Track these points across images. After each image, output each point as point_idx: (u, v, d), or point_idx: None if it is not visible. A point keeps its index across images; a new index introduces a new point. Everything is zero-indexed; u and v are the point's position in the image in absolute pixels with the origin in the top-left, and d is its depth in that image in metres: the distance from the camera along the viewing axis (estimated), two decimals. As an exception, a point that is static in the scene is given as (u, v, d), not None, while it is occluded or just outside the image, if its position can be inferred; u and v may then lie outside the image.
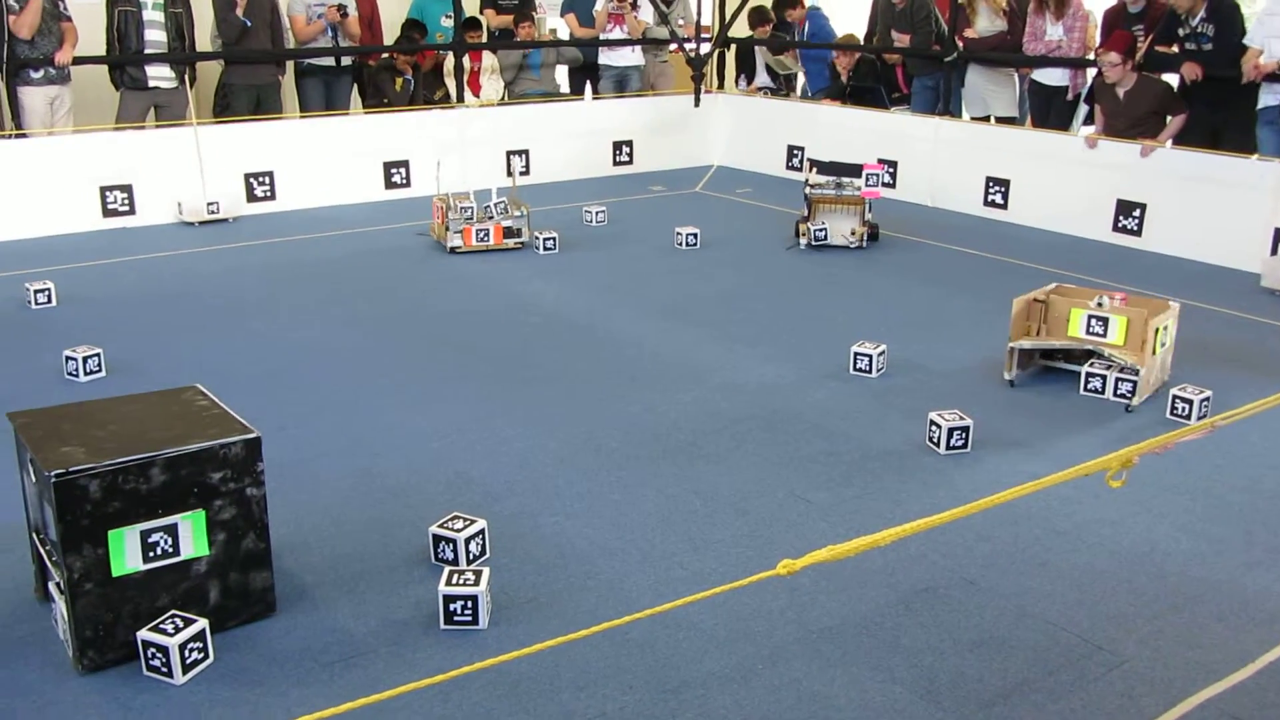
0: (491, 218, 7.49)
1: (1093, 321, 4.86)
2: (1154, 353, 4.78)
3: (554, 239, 7.46)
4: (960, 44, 8.92)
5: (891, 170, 9.26)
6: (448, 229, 7.35)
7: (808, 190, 7.64)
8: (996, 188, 8.54)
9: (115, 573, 2.96)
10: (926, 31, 9.24)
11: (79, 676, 2.94)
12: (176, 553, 3.03)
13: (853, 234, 7.55)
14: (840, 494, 4.02)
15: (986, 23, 8.94)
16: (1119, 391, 4.79)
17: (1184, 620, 3.23)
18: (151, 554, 2.99)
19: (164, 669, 2.92)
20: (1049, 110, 8.71)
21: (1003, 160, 8.51)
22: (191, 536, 3.04)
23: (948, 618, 3.24)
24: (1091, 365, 4.88)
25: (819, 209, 7.65)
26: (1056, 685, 2.93)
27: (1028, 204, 8.33)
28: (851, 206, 7.62)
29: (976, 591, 3.37)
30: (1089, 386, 4.88)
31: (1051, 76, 8.63)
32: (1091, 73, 8.27)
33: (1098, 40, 8.30)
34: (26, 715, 2.80)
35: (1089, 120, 8.50)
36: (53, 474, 2.81)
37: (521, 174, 9.69)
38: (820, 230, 7.56)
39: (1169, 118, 7.68)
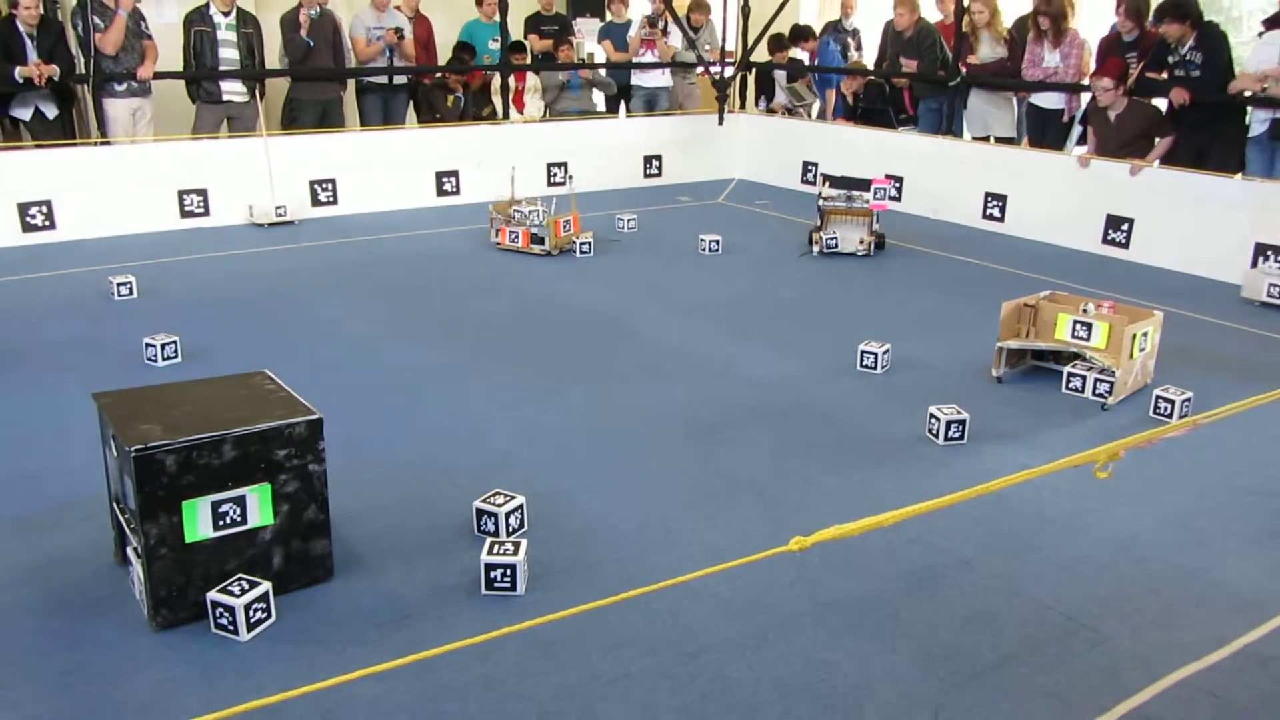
0: (523, 223, 7.53)
1: (1077, 326, 4.85)
2: (1131, 356, 4.74)
3: (589, 243, 7.47)
4: (963, 69, 8.86)
5: (898, 185, 9.22)
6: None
7: (821, 202, 7.64)
8: (995, 202, 8.48)
9: (188, 539, 2.99)
10: (932, 58, 9.18)
11: (152, 634, 2.98)
12: (244, 522, 3.06)
13: (861, 243, 7.51)
14: (847, 479, 4.01)
15: (988, 50, 8.87)
16: (1097, 391, 4.75)
17: (1164, 603, 3.20)
18: (221, 523, 3.03)
19: (230, 627, 2.95)
20: (1045, 131, 8.63)
21: (1001, 177, 8.45)
22: (258, 507, 3.07)
23: (944, 595, 3.22)
24: (1074, 366, 4.85)
25: (831, 219, 7.63)
26: (1043, 659, 2.91)
27: (1024, 217, 8.27)
28: (860, 218, 7.59)
29: (971, 571, 3.36)
30: (1070, 385, 4.84)
31: (1048, 100, 8.55)
32: (1086, 97, 8.19)
33: (1092, 66, 8.22)
34: (105, 669, 2.83)
35: (1082, 141, 8.42)
36: (133, 449, 2.85)
37: (561, 184, 9.71)
38: (831, 239, 7.54)
39: (1157, 139, 7.60)
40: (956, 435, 4.30)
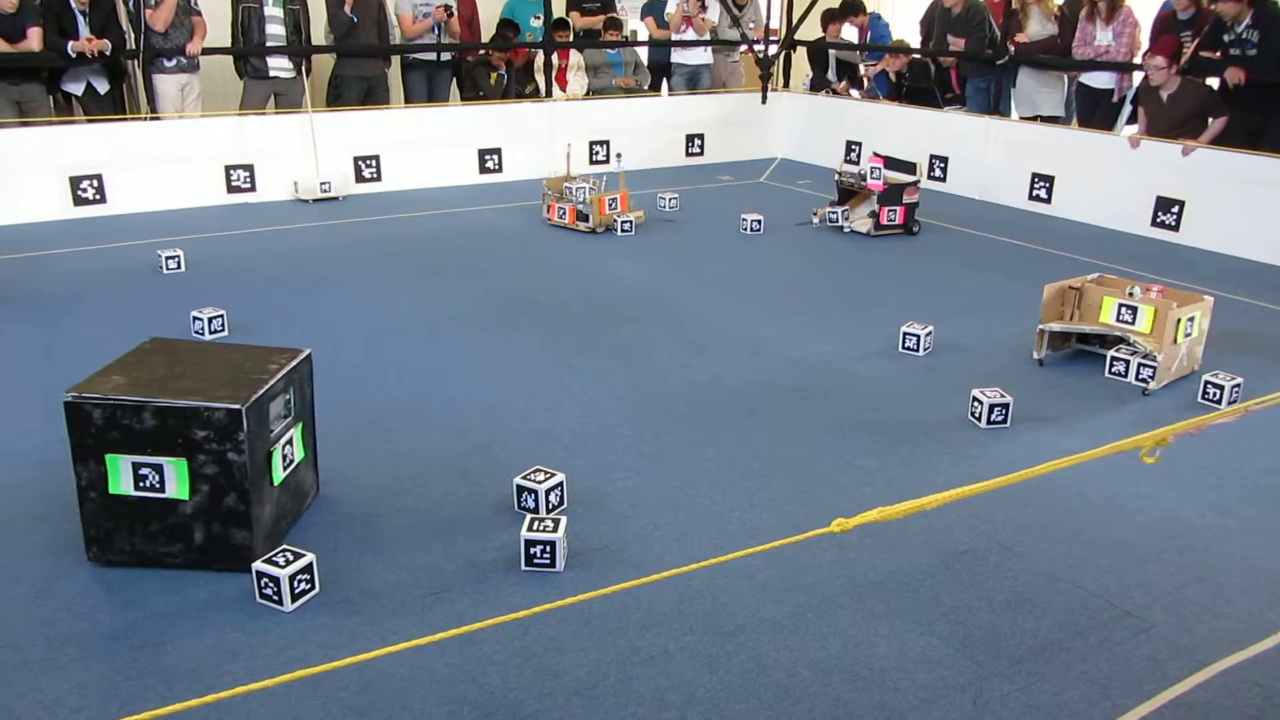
0: (570, 200, 7.55)
1: (1122, 309, 4.78)
2: (1175, 341, 4.66)
3: (631, 222, 7.45)
4: (1012, 48, 8.71)
5: (943, 165, 9.10)
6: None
7: (837, 178, 7.68)
8: (1041, 183, 8.35)
9: (111, 490, 3.11)
10: (980, 36, 9.04)
11: (198, 599, 3.02)
12: (162, 490, 3.11)
13: (870, 216, 7.50)
14: (886, 461, 3.98)
15: (1038, 27, 8.71)
16: (1140, 376, 4.67)
17: (1209, 591, 3.15)
18: (141, 484, 3.10)
19: (275, 597, 2.98)
20: (1095, 111, 8.48)
21: (1049, 158, 8.32)
22: (175, 479, 3.10)
23: (984, 579, 3.20)
24: (1117, 350, 4.78)
25: (855, 196, 7.65)
26: (1084, 646, 2.88)
27: (1071, 199, 8.14)
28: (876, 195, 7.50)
29: (1012, 556, 3.33)
30: (1113, 370, 4.77)
31: (1098, 79, 8.40)
32: (1138, 76, 8.03)
33: (1144, 45, 8.05)
34: (153, 635, 2.88)
35: (1132, 121, 8.26)
36: (68, 395, 3.00)
37: (603, 162, 9.69)
38: (833, 214, 7.58)
39: (1211, 120, 7.44)
40: (999, 419, 4.25)
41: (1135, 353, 4.71)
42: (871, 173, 7.40)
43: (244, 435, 3.04)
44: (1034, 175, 8.38)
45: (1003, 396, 4.27)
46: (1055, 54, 8.60)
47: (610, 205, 7.54)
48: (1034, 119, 8.88)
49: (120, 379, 3.14)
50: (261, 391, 3.13)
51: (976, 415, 4.29)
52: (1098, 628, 2.96)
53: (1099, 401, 4.56)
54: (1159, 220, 7.54)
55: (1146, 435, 2.56)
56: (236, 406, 3.03)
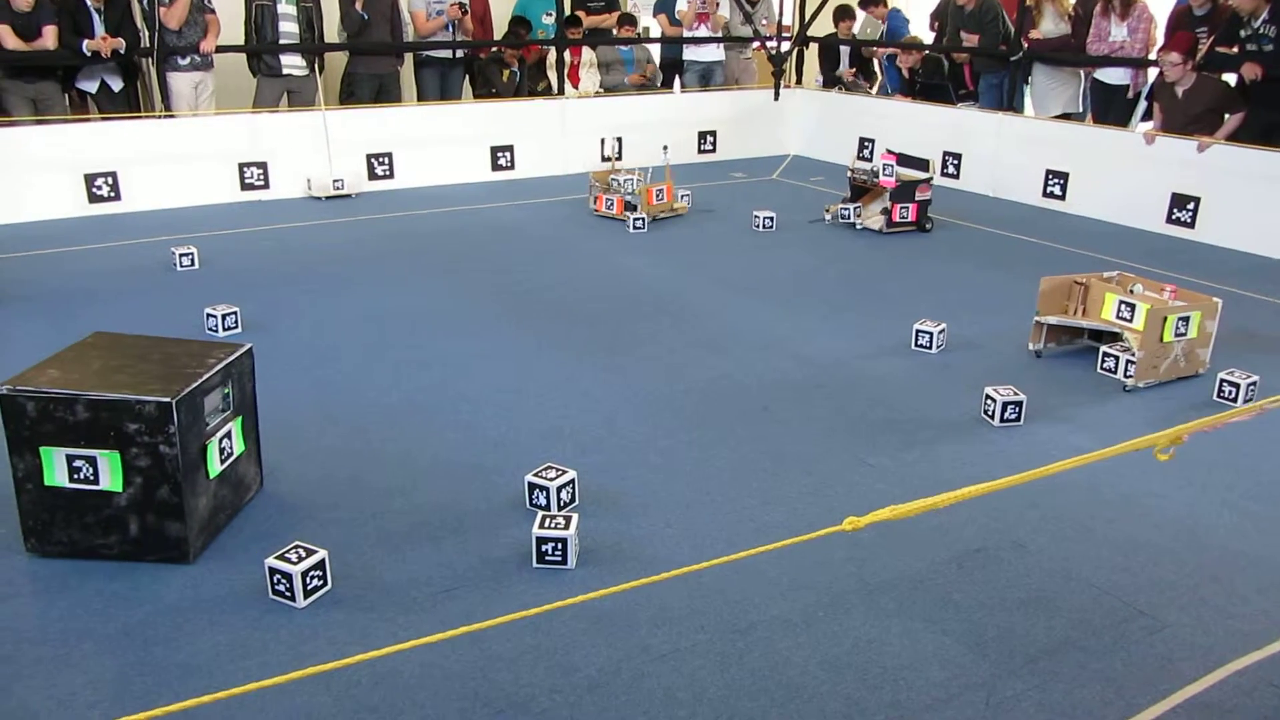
0: (619, 191, 7.77)
1: (1123, 306, 4.75)
2: (1162, 340, 4.59)
3: (643, 219, 7.45)
4: (1025, 44, 8.67)
5: (956, 162, 9.07)
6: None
7: (850, 174, 7.68)
8: (1056, 180, 8.31)
9: (46, 482, 3.14)
10: (994, 32, 9.00)
11: (211, 595, 3.03)
12: (96, 482, 3.13)
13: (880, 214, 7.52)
14: (899, 459, 3.96)
15: (1051, 24, 8.67)
16: (1128, 373, 4.63)
17: (1224, 590, 3.13)
18: (75, 476, 3.13)
19: (287, 594, 2.99)
20: (1109, 107, 8.43)
21: (1063, 154, 8.28)
22: (109, 471, 3.12)
23: (997, 577, 3.18)
24: (1110, 346, 4.76)
25: (868, 193, 7.64)
26: (1098, 645, 2.87)
27: (1086, 196, 8.10)
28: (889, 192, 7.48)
29: (1025, 554, 3.31)
30: (1104, 365, 4.76)
31: (1113, 75, 8.35)
32: (1153, 72, 7.98)
33: (1160, 40, 8.00)
34: (166, 630, 2.89)
35: (1148, 117, 8.21)
36: (2, 388, 3.06)
37: (615, 159, 9.69)
38: (845, 210, 7.59)
39: (1227, 116, 7.39)
40: (1013, 416, 4.23)
41: (1126, 349, 4.69)
42: (884, 169, 7.37)
43: (174, 428, 3.06)
44: (1048, 172, 8.34)
45: (1016, 394, 4.25)
46: (1069, 51, 8.56)
47: (657, 196, 7.73)
48: (1049, 116, 8.84)
49: (56, 373, 3.17)
50: (194, 385, 3.16)
51: (990, 413, 4.27)
52: (1112, 627, 2.94)
53: (1085, 395, 4.57)
54: (1174, 217, 7.50)
55: (1161, 434, 2.55)
56: (166, 400, 3.05)
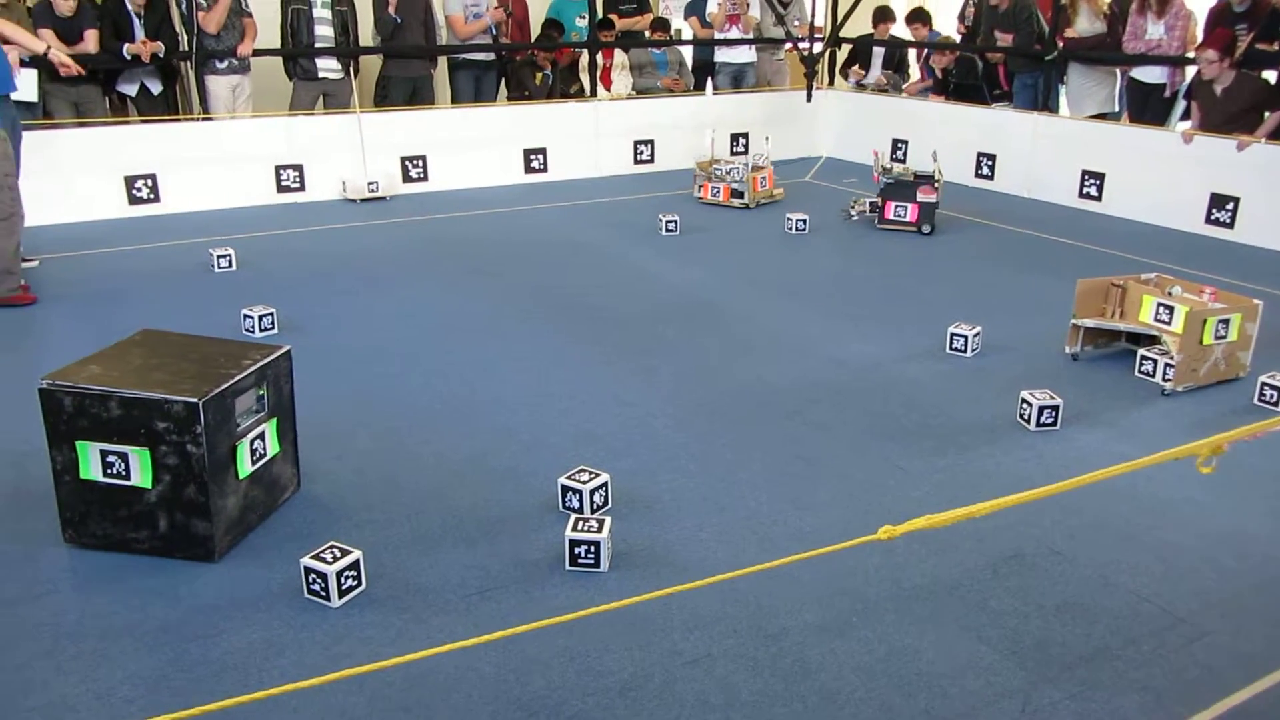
0: (725, 180, 8.20)
1: (1161, 309, 4.69)
2: (1202, 343, 4.52)
3: (675, 221, 7.43)
4: (1060, 43, 8.57)
5: (990, 163, 8.98)
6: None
7: (876, 178, 7.67)
8: (1092, 180, 8.21)
9: (82, 475, 3.20)
10: (1028, 32, 8.90)
11: (247, 593, 3.05)
12: (128, 478, 3.18)
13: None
14: (934, 463, 3.92)
15: (1086, 23, 8.56)
16: (1167, 376, 4.55)
17: (1268, 599, 3.07)
18: (109, 471, 3.18)
19: (322, 593, 3.00)
20: (1146, 106, 8.32)
21: (1099, 154, 8.17)
22: (139, 468, 3.16)
23: (1034, 584, 3.14)
24: (1148, 349, 4.68)
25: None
26: (1138, 654, 2.82)
27: (1122, 196, 7.99)
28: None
29: (1062, 560, 3.26)
30: (1142, 369, 4.68)
31: (1150, 74, 8.23)
32: (1191, 70, 7.86)
33: (1199, 38, 7.88)
34: (202, 628, 2.91)
35: (1185, 116, 8.09)
36: (43, 382, 3.12)
37: (647, 161, 9.69)
38: (872, 201, 7.66)
39: (1267, 114, 7.26)
40: (1050, 421, 4.18)
41: (1165, 352, 4.61)
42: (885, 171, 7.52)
43: (201, 428, 3.08)
44: (1084, 172, 8.24)
45: (1053, 399, 4.19)
46: (1105, 49, 8.45)
47: (761, 183, 8.28)
48: (1085, 116, 8.74)
49: (97, 369, 3.23)
50: (225, 387, 3.17)
51: (1026, 417, 4.22)
52: (1151, 635, 2.89)
53: (1122, 399, 4.51)
54: (1213, 217, 7.39)
55: (1203, 442, 2.50)
56: (194, 400, 3.07)
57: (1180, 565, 3.24)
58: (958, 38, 10.39)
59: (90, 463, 3.19)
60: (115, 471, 3.18)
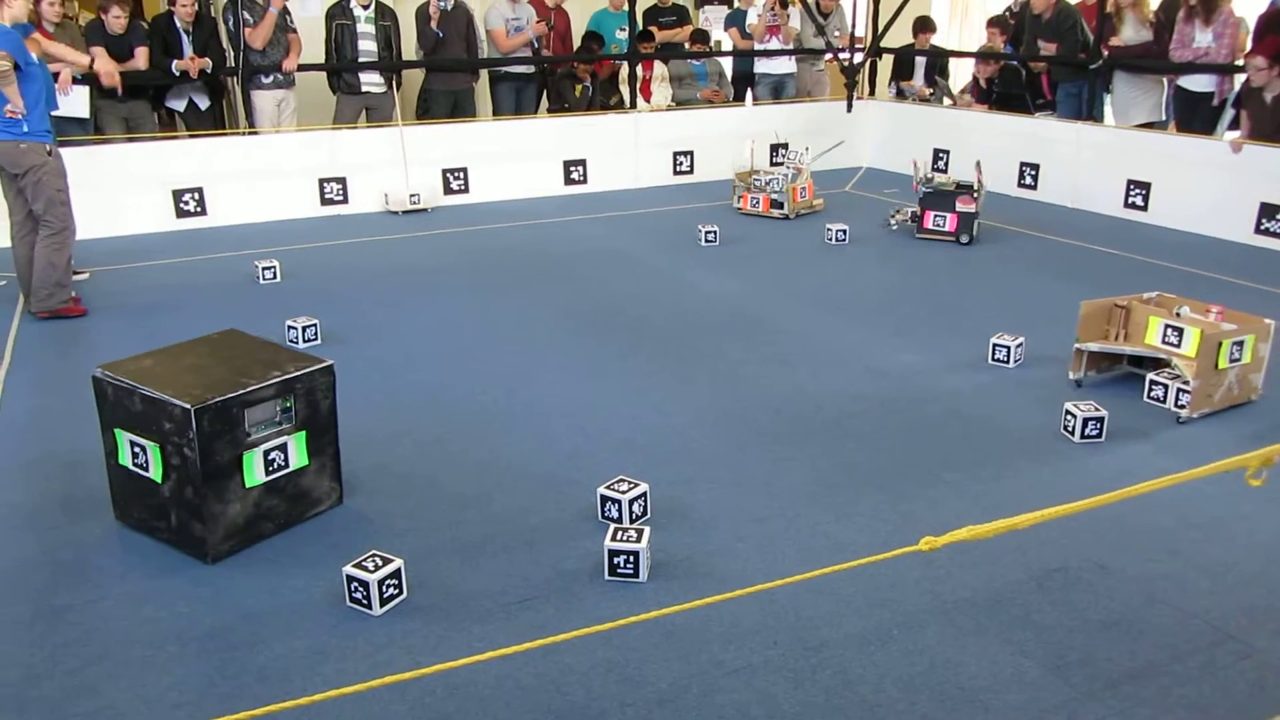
0: (764, 190, 8.26)
1: (1168, 330, 4.45)
2: (1218, 367, 4.28)
3: (715, 232, 7.44)
4: (1105, 52, 8.48)
5: (1034, 172, 8.91)
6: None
7: (916, 187, 7.71)
8: (1138, 190, 8.11)
9: (119, 460, 3.42)
10: (1073, 40, 8.82)
11: (291, 601, 3.09)
12: (146, 469, 3.34)
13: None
14: (976, 475, 3.89)
15: (1132, 32, 8.46)
16: (1179, 402, 4.32)
17: (1318, 614, 3.02)
18: (135, 460, 3.37)
19: (364, 601, 3.03)
20: (1194, 115, 8.20)
21: (1145, 164, 8.07)
22: (154, 462, 3.30)
23: (1078, 598, 3.10)
24: (1158, 374, 4.46)
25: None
26: (1185, 670, 2.78)
27: (1169, 206, 7.88)
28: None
29: (1107, 575, 3.22)
30: (1152, 394, 4.46)
31: (1198, 83, 8.12)
32: (1240, 78, 7.74)
33: (1248, 45, 7.76)
34: (246, 635, 2.95)
35: (1234, 125, 7.97)
36: (97, 370, 3.38)
37: (687, 172, 9.71)
38: (913, 211, 7.67)
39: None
40: (1094, 433, 4.13)
41: (1176, 377, 4.39)
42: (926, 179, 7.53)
43: (193, 434, 3.16)
44: (1129, 182, 8.14)
45: (1097, 410, 4.14)
46: (1151, 58, 8.35)
47: (801, 194, 8.27)
48: (1131, 125, 8.64)
49: (151, 362, 3.45)
50: (230, 396, 3.23)
51: (1069, 429, 4.17)
52: (1199, 651, 2.85)
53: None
54: (1263, 227, 7.26)
55: (1252, 454, 2.47)
56: (187, 406, 3.15)
57: (1228, 580, 3.19)
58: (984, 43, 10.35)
59: (124, 450, 3.39)
60: (140, 462, 3.36)
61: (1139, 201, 8.10)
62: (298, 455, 3.48)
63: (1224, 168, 7.46)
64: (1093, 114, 8.69)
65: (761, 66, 10.45)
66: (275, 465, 3.41)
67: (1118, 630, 2.95)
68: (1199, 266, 6.62)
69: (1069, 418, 4.18)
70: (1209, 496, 3.66)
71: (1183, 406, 4.32)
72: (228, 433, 3.25)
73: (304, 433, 3.48)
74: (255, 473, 3.34)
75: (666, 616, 2.93)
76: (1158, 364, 4.57)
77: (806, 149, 8.62)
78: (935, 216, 7.44)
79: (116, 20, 7.69)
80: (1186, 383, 4.31)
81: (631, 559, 3.16)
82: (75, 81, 7.49)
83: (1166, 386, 4.42)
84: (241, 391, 3.26)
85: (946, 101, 10.55)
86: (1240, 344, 4.34)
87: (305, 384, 3.46)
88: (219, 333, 3.79)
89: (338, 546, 3.38)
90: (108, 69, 6.57)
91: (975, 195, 7.31)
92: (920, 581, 3.17)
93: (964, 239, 7.34)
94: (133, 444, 3.33)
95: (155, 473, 3.30)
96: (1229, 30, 7.82)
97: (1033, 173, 8.91)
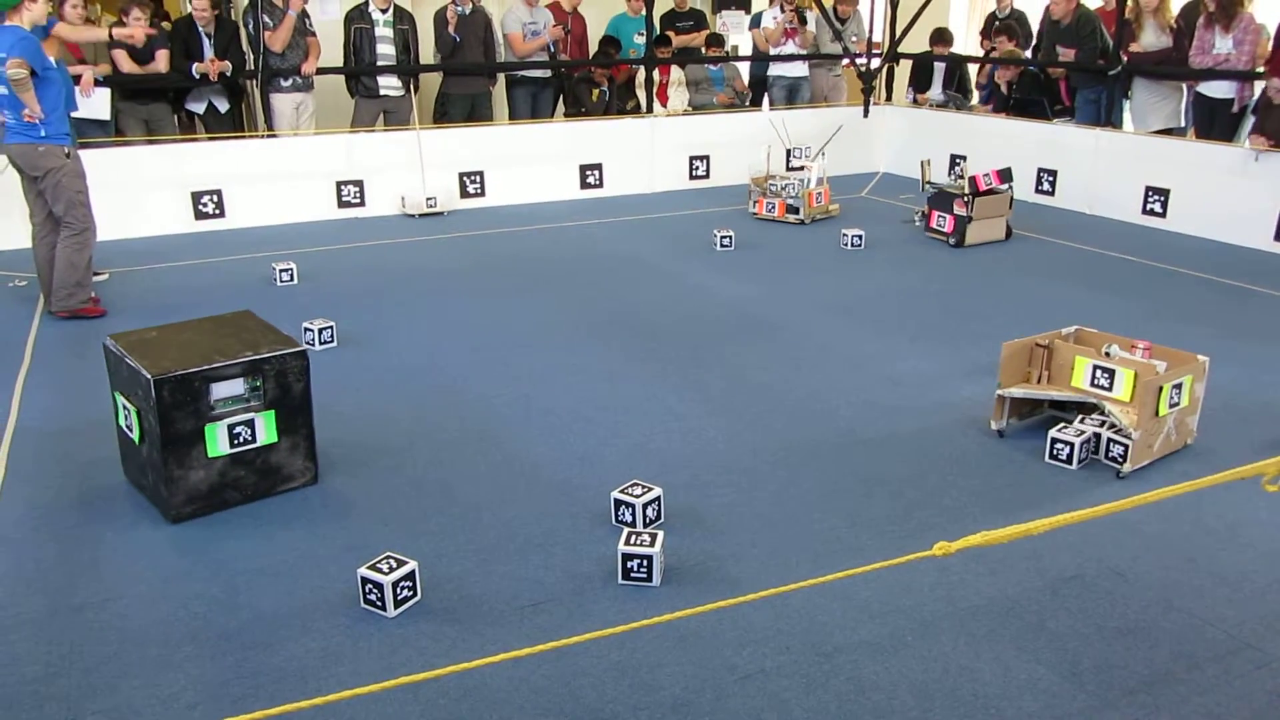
0: (780, 195, 8.27)
1: (1098, 372, 4.03)
2: (1158, 414, 3.89)
3: (730, 237, 7.43)
4: (1125, 58, 8.45)
5: (1051, 178, 8.87)
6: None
7: (925, 188, 7.93)
8: (1156, 196, 8.06)
9: (118, 421, 3.73)
10: (1092, 46, 8.78)
11: (306, 602, 3.10)
12: (131, 431, 3.62)
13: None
14: (990, 481, 3.88)
15: (1152, 38, 8.42)
16: (1110, 454, 3.92)
17: (1337, 624, 2.99)
18: (125, 422, 3.66)
19: (379, 603, 3.04)
20: (1213, 122, 8.15)
21: (1163, 170, 8.03)
22: (135, 424, 3.57)
23: (1094, 605, 3.09)
24: (1086, 421, 4.04)
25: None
26: (1202, 679, 2.76)
27: (1187, 213, 7.84)
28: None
29: (1123, 582, 3.20)
30: (1055, 453, 3.96)
31: (1217, 89, 8.07)
32: (1261, 85, 7.69)
33: (1269, 52, 7.70)
34: (261, 635, 2.96)
35: (1255, 131, 7.92)
36: (106, 339, 3.67)
37: (703, 177, 9.72)
38: (921, 210, 7.87)
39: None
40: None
41: (1109, 424, 3.98)
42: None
43: (153, 401, 3.38)
44: (1148, 188, 8.10)
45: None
46: (1171, 64, 8.30)
47: (817, 199, 8.29)
48: (1150, 132, 8.59)
49: (155, 334, 3.73)
50: (194, 370, 3.44)
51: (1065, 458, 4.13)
52: (1216, 660, 2.83)
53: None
54: (1283, 235, 7.22)
55: (1269, 461, 2.45)
56: (149, 375, 3.38)
57: (1246, 588, 3.16)
58: (980, 52, 10.33)
59: (120, 412, 3.69)
60: (128, 424, 3.64)
61: (1157, 208, 8.06)
62: (267, 432, 3.64)
63: (1243, 175, 7.41)
64: (1111, 120, 8.65)
65: (775, 69, 10.45)
66: (241, 439, 3.58)
67: (1133, 637, 2.93)
68: (1218, 274, 6.58)
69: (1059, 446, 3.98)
70: (1227, 503, 3.64)
71: (1115, 460, 3.93)
72: (189, 404, 3.45)
73: (273, 412, 3.64)
74: (218, 444, 3.54)
75: (680, 620, 2.93)
76: (1083, 408, 4.19)
77: (823, 153, 8.58)
78: (938, 216, 7.63)
79: (137, 23, 7.75)
80: (1118, 431, 3.93)
81: (645, 563, 3.16)
82: (96, 84, 7.56)
83: (1098, 436, 3.97)
84: (205, 367, 3.47)
85: (971, 102, 10.52)
86: (1179, 387, 3.94)
87: (275, 365, 3.62)
88: (233, 313, 4.01)
89: (352, 549, 3.39)
90: (131, 32, 6.66)
91: (965, 198, 7.39)
92: (934, 587, 3.16)
93: (952, 241, 7.47)
94: (123, 407, 3.63)
95: (135, 435, 3.59)
96: (1249, 37, 7.77)
97: (1050, 178, 8.88)
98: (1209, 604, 3.09)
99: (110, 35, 6.62)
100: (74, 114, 6.16)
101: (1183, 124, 8.58)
